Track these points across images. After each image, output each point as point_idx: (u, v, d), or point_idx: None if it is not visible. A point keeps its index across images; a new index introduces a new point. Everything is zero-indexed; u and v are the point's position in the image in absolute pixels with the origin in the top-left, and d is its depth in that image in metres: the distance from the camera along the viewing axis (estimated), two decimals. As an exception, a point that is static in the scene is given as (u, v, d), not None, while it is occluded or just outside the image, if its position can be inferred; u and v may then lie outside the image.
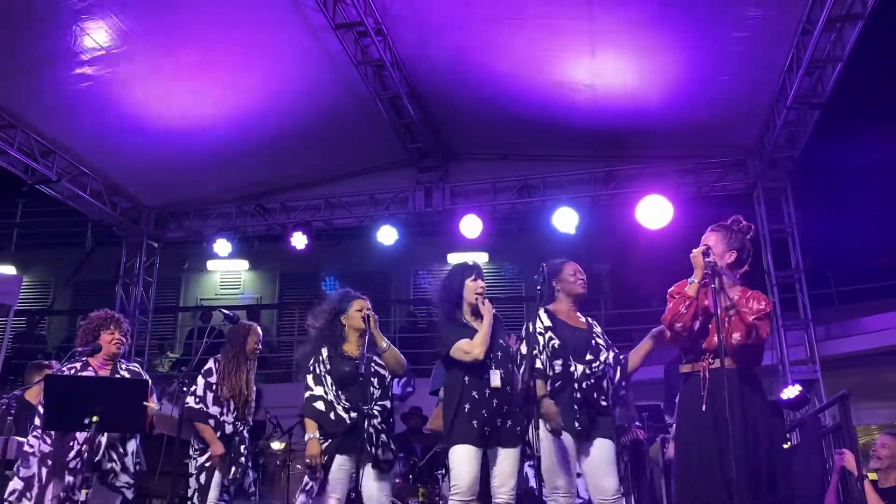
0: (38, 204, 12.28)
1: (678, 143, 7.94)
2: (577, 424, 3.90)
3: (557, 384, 3.99)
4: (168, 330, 12.83)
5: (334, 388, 4.25)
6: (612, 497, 3.93)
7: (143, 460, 4.71)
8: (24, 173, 7.77)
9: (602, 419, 4.01)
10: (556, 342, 4.04)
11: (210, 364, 4.94)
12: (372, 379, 4.28)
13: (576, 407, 3.94)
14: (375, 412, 4.23)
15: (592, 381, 4.00)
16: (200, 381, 4.84)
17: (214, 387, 4.83)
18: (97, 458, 4.29)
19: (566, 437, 3.90)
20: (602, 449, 3.98)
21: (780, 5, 5.93)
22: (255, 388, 5.03)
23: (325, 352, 4.35)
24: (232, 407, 4.85)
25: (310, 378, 4.31)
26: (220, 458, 4.74)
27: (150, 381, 4.49)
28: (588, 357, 4.03)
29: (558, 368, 4.01)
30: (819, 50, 5.99)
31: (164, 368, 11.23)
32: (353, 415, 4.17)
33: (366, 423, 4.14)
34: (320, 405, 4.23)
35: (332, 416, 4.20)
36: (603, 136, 7.92)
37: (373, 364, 4.32)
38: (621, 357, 4.22)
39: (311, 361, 4.36)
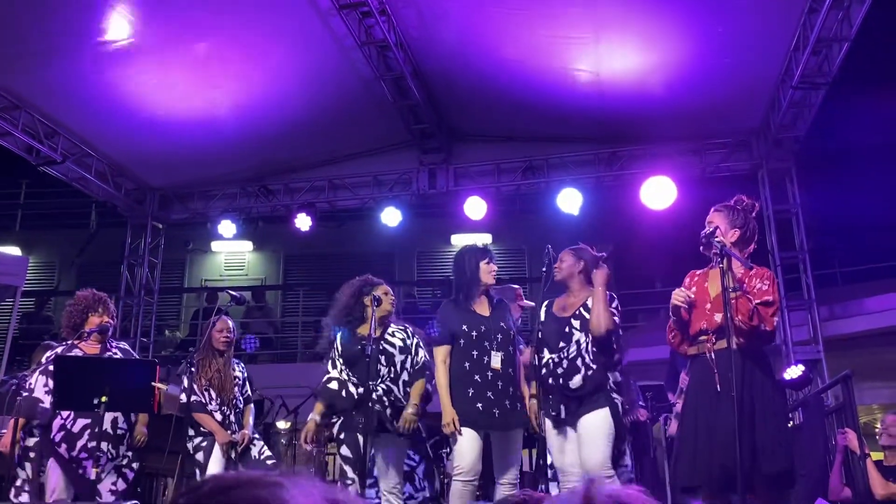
0: (42, 185, 12.27)
1: (682, 124, 7.90)
2: (552, 411, 4.01)
3: (539, 374, 4.11)
4: (172, 311, 12.88)
5: (344, 366, 4.38)
6: (597, 471, 3.85)
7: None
8: (29, 154, 7.77)
9: (588, 395, 3.97)
10: (539, 335, 4.16)
11: (191, 359, 5.10)
12: (379, 357, 4.34)
13: (550, 396, 4.04)
14: (381, 389, 4.29)
15: (565, 365, 4.03)
16: (185, 378, 4.98)
17: (196, 378, 4.98)
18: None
19: (549, 425, 4.03)
20: (585, 425, 3.95)
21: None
22: (236, 374, 5.14)
23: (339, 337, 4.48)
24: (214, 395, 4.99)
25: (328, 363, 4.47)
26: (227, 444, 4.87)
27: (157, 362, 4.55)
28: (561, 345, 4.09)
29: (536, 360, 4.12)
30: (826, 29, 5.93)
31: (169, 349, 11.29)
32: (361, 390, 4.26)
33: (373, 396, 4.23)
34: (334, 385, 4.38)
35: (343, 393, 4.34)
36: (607, 119, 7.88)
37: (382, 343, 4.39)
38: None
39: (329, 347, 4.53)
